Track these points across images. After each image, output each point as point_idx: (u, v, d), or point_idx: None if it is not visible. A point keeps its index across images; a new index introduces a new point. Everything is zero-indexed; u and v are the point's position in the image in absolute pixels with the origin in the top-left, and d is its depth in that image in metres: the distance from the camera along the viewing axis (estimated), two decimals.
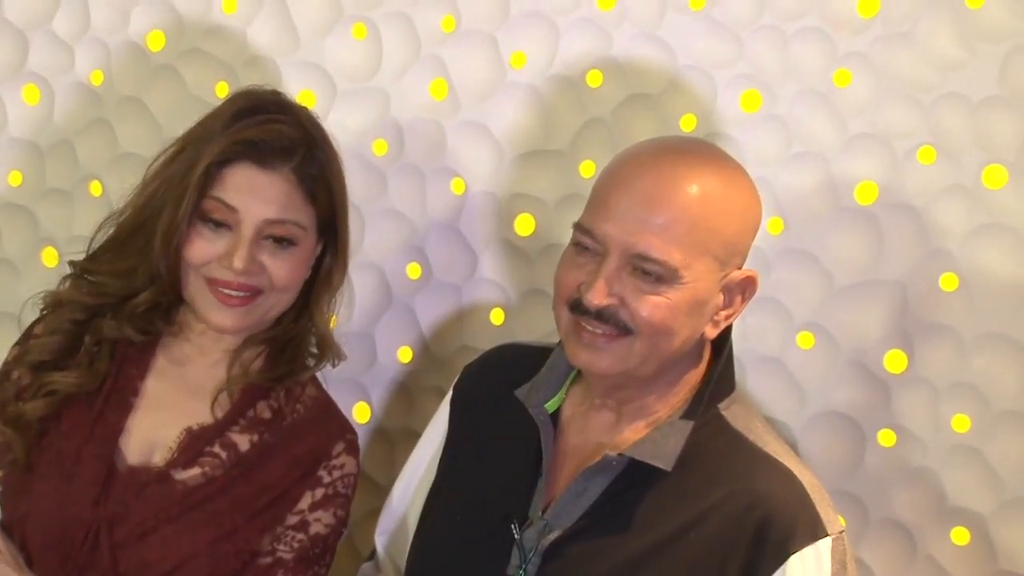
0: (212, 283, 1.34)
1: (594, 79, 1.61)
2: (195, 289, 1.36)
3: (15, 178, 1.80)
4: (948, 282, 1.50)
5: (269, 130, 1.35)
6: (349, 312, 1.66)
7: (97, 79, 1.77)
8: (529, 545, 1.23)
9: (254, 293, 1.35)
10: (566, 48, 1.63)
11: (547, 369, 1.31)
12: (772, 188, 1.52)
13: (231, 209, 1.32)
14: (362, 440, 1.61)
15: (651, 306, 1.17)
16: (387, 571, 1.47)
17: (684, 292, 1.18)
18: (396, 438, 1.70)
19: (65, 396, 1.39)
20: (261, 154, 1.34)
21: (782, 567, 1.16)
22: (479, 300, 1.69)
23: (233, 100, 1.41)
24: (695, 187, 1.18)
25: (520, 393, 1.29)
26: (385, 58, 1.70)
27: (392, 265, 1.73)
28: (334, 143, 1.42)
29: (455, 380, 1.45)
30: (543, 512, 1.25)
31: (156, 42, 1.74)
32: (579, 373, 1.30)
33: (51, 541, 1.36)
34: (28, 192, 1.82)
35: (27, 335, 1.46)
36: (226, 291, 1.34)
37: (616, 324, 1.18)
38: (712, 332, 1.23)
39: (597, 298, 1.17)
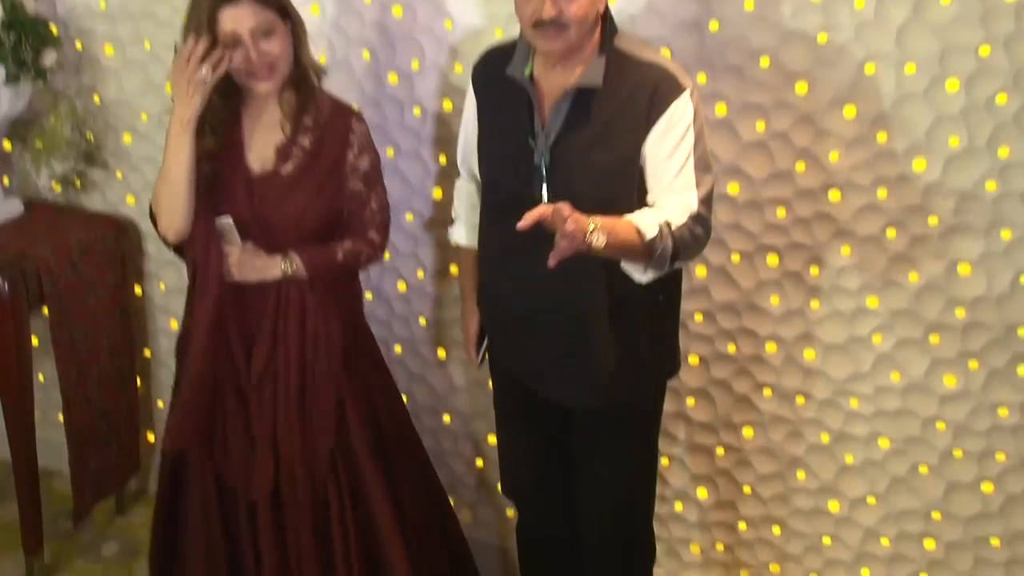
0: (247, 73, 1.90)
1: None
2: (241, 76, 1.91)
3: None
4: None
5: None
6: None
7: None
8: (541, 145, 1.80)
9: (271, 68, 1.90)
10: None
11: (517, 52, 1.84)
12: None
13: (234, 33, 1.86)
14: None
15: (577, 6, 1.70)
16: (469, 181, 2.08)
17: None
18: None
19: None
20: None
21: (668, 110, 1.74)
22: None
23: None
24: None
25: (508, 70, 1.83)
26: None
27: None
28: None
29: (471, 71, 1.96)
30: (542, 128, 1.81)
31: None
32: (535, 51, 1.80)
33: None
34: None
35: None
36: (255, 72, 1.90)
37: (560, 25, 1.70)
38: (601, 7, 1.76)
39: (549, 13, 1.69)
